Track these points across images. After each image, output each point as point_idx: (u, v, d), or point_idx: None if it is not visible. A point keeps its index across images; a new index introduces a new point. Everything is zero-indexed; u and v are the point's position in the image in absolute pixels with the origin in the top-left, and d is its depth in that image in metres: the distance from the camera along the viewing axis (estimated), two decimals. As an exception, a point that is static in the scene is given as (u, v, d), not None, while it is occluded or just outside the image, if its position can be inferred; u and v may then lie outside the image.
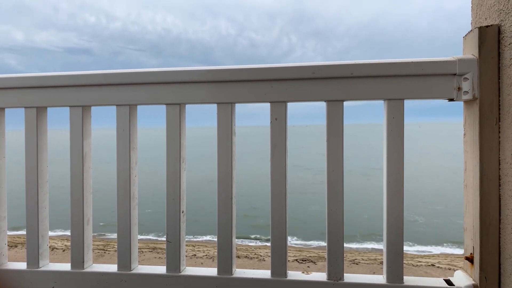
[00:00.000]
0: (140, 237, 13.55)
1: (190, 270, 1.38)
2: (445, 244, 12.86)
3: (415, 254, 11.65)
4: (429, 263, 10.08)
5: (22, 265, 1.46)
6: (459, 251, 11.90)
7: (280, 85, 1.28)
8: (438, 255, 11.66)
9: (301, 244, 12.96)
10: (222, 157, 1.32)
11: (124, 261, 1.39)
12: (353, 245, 12.71)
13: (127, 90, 1.37)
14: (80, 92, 1.39)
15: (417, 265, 9.86)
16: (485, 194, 1.15)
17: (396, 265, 1.24)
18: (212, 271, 1.36)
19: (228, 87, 1.31)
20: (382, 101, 1.26)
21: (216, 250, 1.36)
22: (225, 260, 1.34)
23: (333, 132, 1.26)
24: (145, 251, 11.17)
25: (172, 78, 1.33)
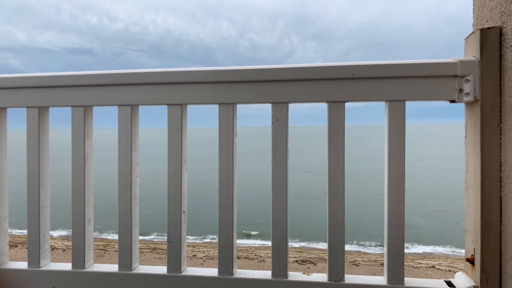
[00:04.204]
0: (142, 237, 13.55)
1: (191, 271, 1.38)
2: (447, 245, 12.85)
3: (416, 256, 11.63)
4: (430, 265, 10.06)
5: (23, 265, 1.46)
6: (460, 253, 11.88)
7: (281, 86, 1.28)
8: (439, 257, 11.64)
9: (302, 245, 12.95)
10: (224, 157, 1.33)
11: (125, 261, 1.39)
12: (354, 247, 12.70)
13: (129, 91, 1.37)
14: (82, 92, 1.40)
15: (417, 266, 9.84)
16: (486, 196, 1.15)
17: (396, 266, 1.24)
18: (213, 272, 1.36)
19: (229, 87, 1.31)
20: (383, 102, 1.26)
21: (216, 251, 1.36)
22: (226, 260, 1.34)
23: (334, 133, 1.26)
24: (145, 252, 11.16)
25: (173, 79, 1.33)
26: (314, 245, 13.04)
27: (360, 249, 12.56)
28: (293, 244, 12.99)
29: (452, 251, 12.38)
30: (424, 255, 11.85)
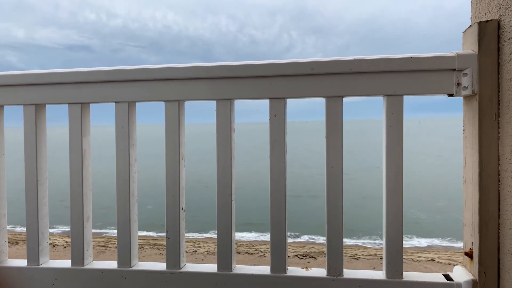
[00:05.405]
0: (142, 233, 13.58)
1: (190, 267, 1.39)
2: (447, 238, 12.90)
3: (416, 249, 11.69)
4: (429, 258, 10.10)
5: (22, 262, 1.47)
6: (459, 246, 11.93)
7: (279, 81, 1.28)
8: (438, 250, 11.70)
9: (302, 240, 13.00)
10: (221, 153, 1.32)
11: (124, 257, 1.39)
12: (353, 240, 12.75)
13: (126, 87, 1.36)
14: (79, 89, 1.39)
15: (417, 260, 9.88)
16: (484, 190, 1.15)
17: (395, 260, 1.24)
18: (212, 267, 1.36)
19: (227, 83, 1.31)
20: (381, 97, 1.26)
21: (216, 246, 1.37)
22: (225, 256, 1.34)
23: (332, 128, 1.26)
24: (146, 248, 11.20)
25: (171, 75, 1.33)
26: (315, 239, 13.10)
27: (360, 243, 12.61)
28: (295, 239, 13.03)
29: (451, 245, 12.43)
30: (424, 249, 11.91)
